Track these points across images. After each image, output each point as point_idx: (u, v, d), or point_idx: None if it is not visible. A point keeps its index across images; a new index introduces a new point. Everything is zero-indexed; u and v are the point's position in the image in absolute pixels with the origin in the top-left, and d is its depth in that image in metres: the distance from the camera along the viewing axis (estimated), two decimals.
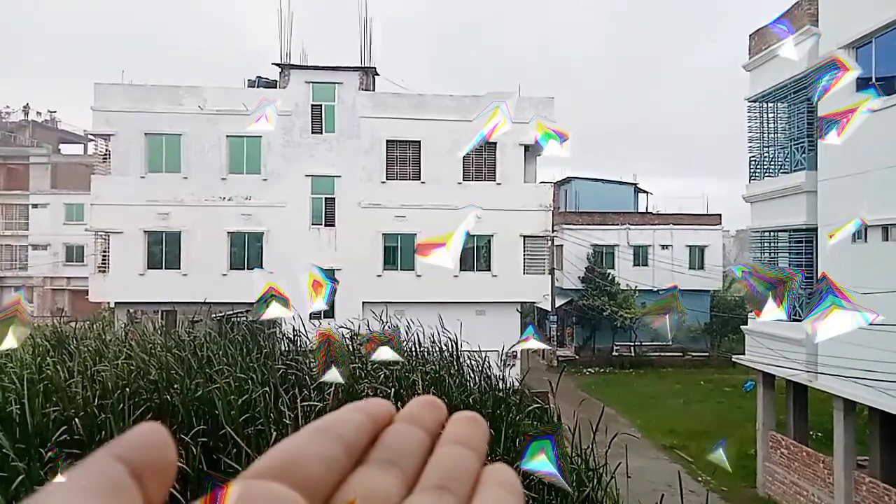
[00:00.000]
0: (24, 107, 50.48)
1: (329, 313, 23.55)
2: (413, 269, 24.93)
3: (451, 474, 0.38)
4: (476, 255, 25.38)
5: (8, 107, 51.35)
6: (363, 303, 23.03)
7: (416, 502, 0.36)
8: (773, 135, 18.83)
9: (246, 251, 24.58)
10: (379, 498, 0.35)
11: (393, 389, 6.63)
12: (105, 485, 0.29)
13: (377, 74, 26.01)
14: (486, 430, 0.43)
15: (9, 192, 44.74)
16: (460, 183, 25.06)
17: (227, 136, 24.32)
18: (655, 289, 36.58)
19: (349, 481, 0.36)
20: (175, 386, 6.68)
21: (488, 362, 8.20)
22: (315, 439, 0.36)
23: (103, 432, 5.93)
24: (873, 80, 15.00)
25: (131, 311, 22.02)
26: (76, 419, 6.11)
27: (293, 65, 25.02)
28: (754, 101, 19.27)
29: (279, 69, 25.18)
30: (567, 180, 41.87)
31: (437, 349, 8.84)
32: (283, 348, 8.80)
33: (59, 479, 0.28)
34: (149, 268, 24.14)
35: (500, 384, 7.88)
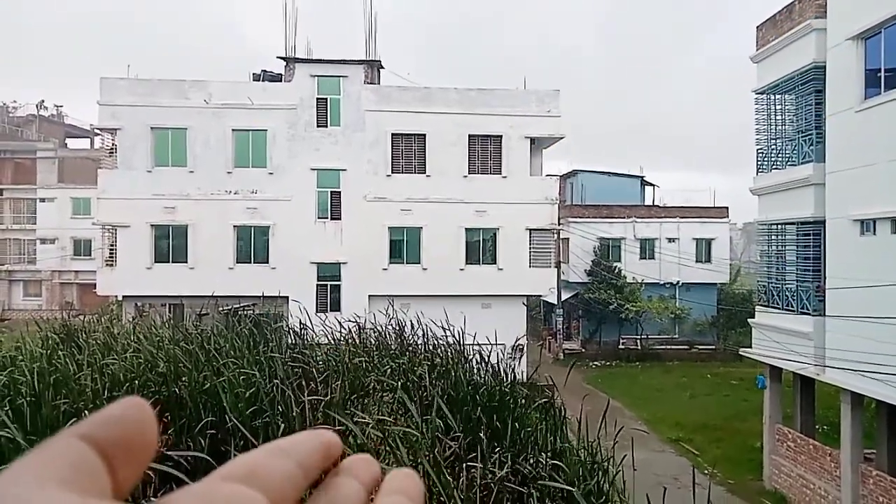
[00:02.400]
0: (39, 103, 50.67)
1: (335, 307, 23.64)
2: (419, 263, 24.96)
3: None
4: (482, 248, 25.38)
5: (15, 101, 51.61)
6: (369, 296, 23.10)
7: None
8: (780, 127, 18.73)
9: (252, 245, 24.66)
10: None
11: (400, 382, 6.66)
12: (64, 465, 0.27)
13: (382, 68, 25.98)
14: (422, 486, 0.44)
15: (16, 187, 44.99)
16: (466, 176, 25.04)
17: (233, 129, 24.36)
18: (662, 282, 36.53)
19: (312, 494, 0.37)
20: (183, 378, 6.72)
21: (495, 355, 8.22)
22: (274, 456, 0.36)
23: None
24: (882, 71, 14.90)
25: (139, 304, 22.14)
26: (86, 411, 6.16)
27: (298, 58, 25.01)
28: (762, 93, 19.16)
29: (284, 63, 25.18)
30: (573, 173, 41.78)
31: (444, 343, 8.86)
32: (289, 341, 8.84)
33: (18, 461, 0.27)
34: (156, 261, 24.25)
35: (507, 377, 7.90)
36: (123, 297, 23.68)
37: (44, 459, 0.27)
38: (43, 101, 51.35)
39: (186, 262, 24.26)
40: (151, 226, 24.22)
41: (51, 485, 0.26)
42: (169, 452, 4.91)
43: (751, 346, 19.69)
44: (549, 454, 6.11)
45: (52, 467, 0.27)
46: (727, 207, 38.72)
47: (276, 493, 0.34)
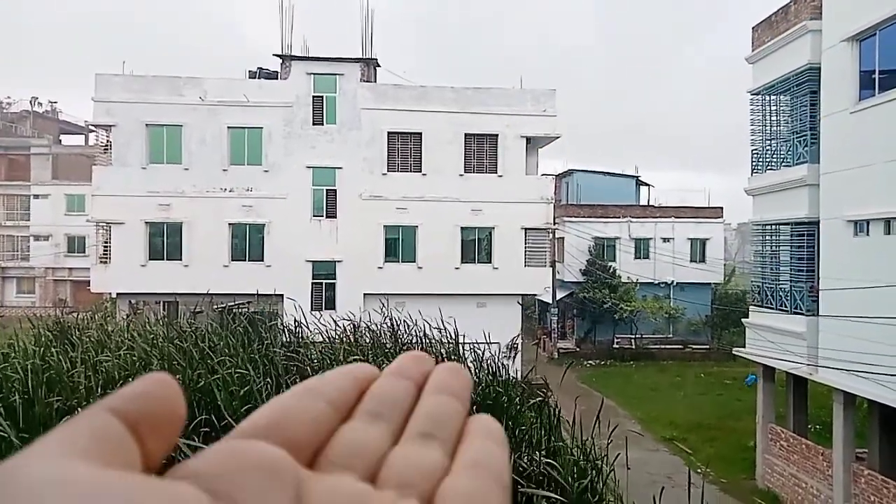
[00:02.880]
0: (33, 99, 50.42)
1: (330, 305, 23.61)
2: (414, 262, 24.96)
3: (437, 422, 0.37)
4: (477, 247, 25.39)
5: (9, 97, 51.34)
6: (364, 295, 23.07)
7: (402, 452, 0.35)
8: (775, 128, 18.79)
9: (247, 243, 24.61)
10: (366, 450, 0.35)
11: None
12: (94, 438, 0.27)
13: (378, 66, 25.95)
14: (469, 379, 0.43)
15: (10, 183, 44.77)
16: (461, 175, 25.04)
17: (229, 127, 24.30)
18: (656, 282, 36.61)
19: (335, 436, 0.35)
20: (177, 376, 6.70)
21: (489, 354, 8.23)
22: (302, 398, 0.36)
23: None
24: (876, 73, 14.96)
25: (133, 301, 22.07)
26: (79, 409, 6.14)
27: (294, 56, 24.96)
28: (756, 94, 19.22)
29: (280, 60, 25.12)
30: (569, 172, 41.83)
31: (439, 341, 8.86)
32: (284, 339, 8.83)
33: (49, 435, 0.27)
34: (150, 259, 24.19)
35: (501, 376, 7.90)
36: (117, 294, 23.59)
37: (71, 432, 0.27)
38: (37, 98, 51.10)
39: (181, 259, 24.20)
40: (146, 223, 24.14)
41: (74, 456, 0.26)
42: None
43: (744, 346, 19.77)
44: (543, 453, 6.12)
45: (78, 439, 0.27)
46: (722, 208, 38.84)
47: (301, 439, 0.34)
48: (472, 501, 0.32)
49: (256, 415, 0.34)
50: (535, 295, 28.21)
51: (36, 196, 44.38)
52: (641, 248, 37.26)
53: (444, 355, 8.29)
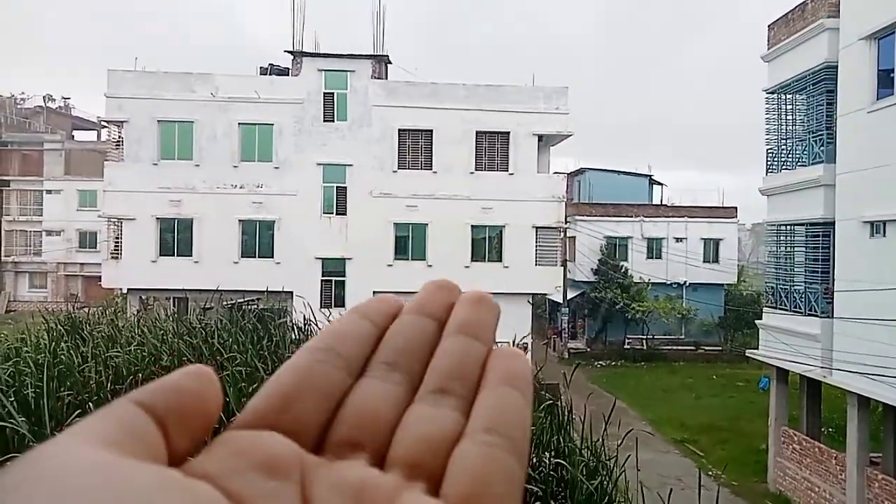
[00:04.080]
0: (46, 95, 50.82)
1: (340, 302, 23.61)
2: (424, 259, 24.90)
3: (454, 372, 0.36)
4: (488, 245, 25.30)
5: (23, 93, 51.72)
6: (374, 292, 23.02)
7: (415, 417, 0.34)
8: (790, 127, 18.58)
9: (257, 239, 24.64)
10: (378, 417, 0.34)
11: None
12: (119, 430, 0.28)
13: (389, 63, 25.90)
14: (496, 311, 0.40)
15: (23, 178, 45.09)
16: (472, 173, 24.94)
17: (239, 123, 24.33)
18: (668, 282, 36.37)
19: (348, 402, 0.34)
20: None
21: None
22: (314, 364, 0.35)
23: None
24: (894, 72, 14.75)
25: (143, 297, 22.15)
26: (90, 403, 6.13)
27: (305, 52, 24.95)
28: (772, 93, 19.02)
29: (291, 57, 25.12)
30: (581, 171, 41.62)
31: None
32: (293, 337, 8.79)
33: (75, 426, 0.27)
34: (161, 255, 24.27)
35: None
36: (128, 289, 23.69)
37: (97, 422, 0.28)
38: (50, 94, 51.47)
39: (191, 255, 24.27)
40: (157, 219, 24.23)
41: (98, 445, 0.26)
42: None
43: (757, 348, 19.58)
44: (552, 453, 6.04)
45: (103, 430, 0.27)
46: (736, 208, 38.52)
47: (310, 418, 0.33)
48: (482, 481, 0.30)
49: (263, 395, 0.33)
50: (546, 294, 28.08)
51: (49, 191, 44.70)
52: (654, 248, 37.02)
53: None
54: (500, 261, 25.15)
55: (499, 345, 0.39)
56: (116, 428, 0.28)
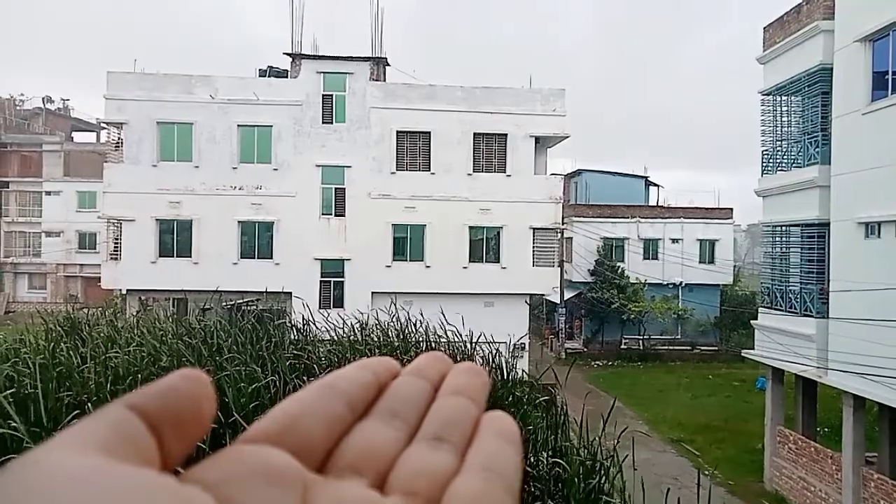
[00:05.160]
0: (45, 97, 50.81)
1: (338, 303, 23.68)
2: (422, 260, 24.97)
3: (449, 424, 0.37)
4: (485, 246, 25.37)
5: (22, 94, 51.70)
6: (372, 293, 23.13)
7: (413, 455, 0.35)
8: (786, 128, 18.68)
9: (256, 240, 24.70)
10: (377, 452, 0.35)
11: None
12: (111, 434, 0.27)
13: (388, 65, 25.97)
14: (487, 380, 0.43)
15: (22, 180, 45.08)
16: (470, 174, 25.03)
17: (239, 125, 24.39)
18: (665, 282, 36.48)
19: (349, 437, 0.35)
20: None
21: (497, 354, 8.23)
22: (318, 396, 0.36)
23: None
24: (889, 73, 14.84)
25: (143, 298, 22.21)
26: (89, 404, 6.19)
27: (304, 55, 25.02)
28: (768, 95, 19.11)
29: (290, 59, 25.19)
30: (577, 172, 41.73)
31: (446, 340, 8.87)
32: (292, 337, 8.86)
33: (67, 430, 0.27)
34: (160, 256, 24.32)
35: (509, 376, 7.90)
36: (127, 290, 23.75)
37: (88, 427, 0.27)
38: (49, 96, 51.48)
39: (191, 256, 24.32)
40: (156, 220, 24.27)
41: (90, 450, 0.26)
42: None
43: (753, 348, 19.67)
44: (549, 453, 6.12)
45: (95, 434, 0.27)
46: (731, 208, 38.66)
47: (314, 441, 0.34)
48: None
49: (268, 417, 0.34)
50: (543, 295, 28.16)
51: (48, 192, 44.68)
52: (650, 249, 37.13)
53: (458, 354, 8.31)
54: (498, 262, 25.23)
55: None
56: (109, 432, 0.27)
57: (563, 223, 26.94)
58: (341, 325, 9.31)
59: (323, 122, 24.79)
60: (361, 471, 0.34)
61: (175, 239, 24.45)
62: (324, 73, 24.81)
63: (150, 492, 0.25)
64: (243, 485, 0.28)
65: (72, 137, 50.05)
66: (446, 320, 9.15)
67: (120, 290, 24.35)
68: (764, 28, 19.31)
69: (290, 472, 0.30)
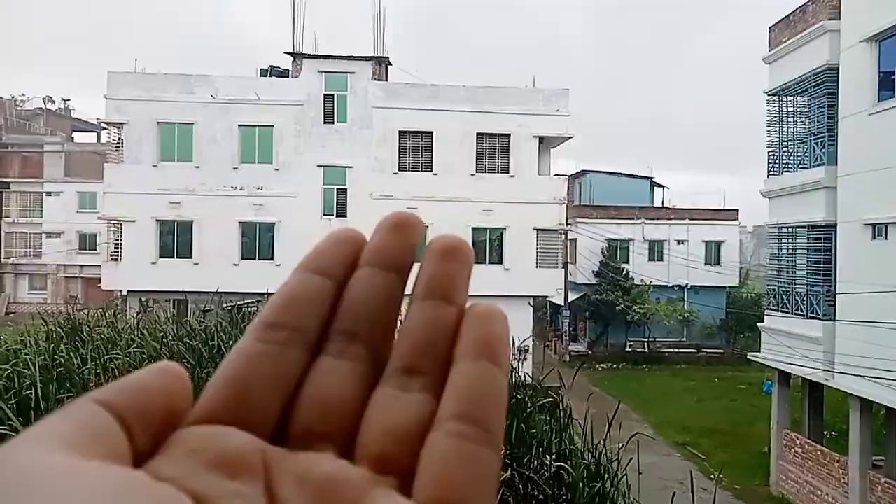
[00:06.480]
0: (46, 97, 50.94)
1: None
2: None
3: (421, 348, 0.32)
4: (488, 247, 25.25)
5: (23, 95, 51.77)
6: None
7: (381, 400, 0.31)
8: (792, 129, 18.55)
9: (257, 241, 24.60)
10: (341, 404, 0.31)
11: None
12: (77, 428, 0.26)
13: (390, 64, 25.88)
14: (469, 261, 0.37)
15: (23, 180, 45.07)
16: (473, 175, 24.91)
17: (239, 125, 24.31)
18: (670, 284, 36.30)
19: (306, 383, 0.32)
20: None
21: None
22: (264, 349, 0.31)
23: None
24: None
25: (143, 299, 22.09)
26: None
27: (305, 54, 24.93)
28: (773, 95, 18.98)
29: (291, 58, 25.10)
30: (582, 173, 41.59)
31: None
32: None
33: (34, 426, 0.26)
34: (161, 257, 24.23)
35: (512, 378, 7.79)
36: (128, 291, 23.64)
37: (56, 422, 0.26)
38: (50, 96, 51.56)
39: (191, 257, 24.23)
40: (157, 221, 24.19)
41: (57, 446, 0.25)
42: None
43: (759, 351, 19.52)
44: (553, 456, 5.99)
45: (64, 431, 0.26)
46: (737, 210, 38.48)
47: (267, 404, 0.31)
48: (452, 483, 0.28)
49: (212, 386, 0.31)
50: (547, 297, 28.01)
51: (48, 193, 44.65)
52: (655, 251, 36.96)
53: None
54: (501, 263, 25.11)
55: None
56: (77, 428, 0.26)
57: (566, 224, 26.80)
58: None
59: (324, 122, 24.70)
60: (326, 434, 0.30)
61: (175, 240, 24.36)
62: (325, 72, 24.72)
63: (123, 490, 0.24)
64: (205, 478, 0.26)
65: (72, 138, 50.09)
66: None
67: (120, 291, 24.25)
68: (769, 28, 19.20)
69: (249, 457, 0.28)
